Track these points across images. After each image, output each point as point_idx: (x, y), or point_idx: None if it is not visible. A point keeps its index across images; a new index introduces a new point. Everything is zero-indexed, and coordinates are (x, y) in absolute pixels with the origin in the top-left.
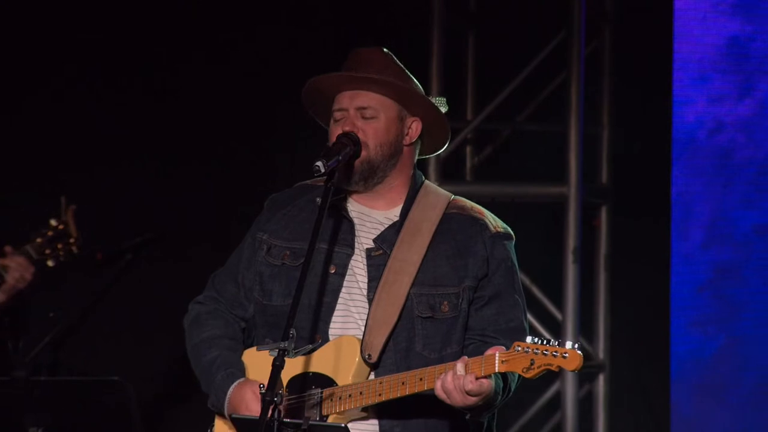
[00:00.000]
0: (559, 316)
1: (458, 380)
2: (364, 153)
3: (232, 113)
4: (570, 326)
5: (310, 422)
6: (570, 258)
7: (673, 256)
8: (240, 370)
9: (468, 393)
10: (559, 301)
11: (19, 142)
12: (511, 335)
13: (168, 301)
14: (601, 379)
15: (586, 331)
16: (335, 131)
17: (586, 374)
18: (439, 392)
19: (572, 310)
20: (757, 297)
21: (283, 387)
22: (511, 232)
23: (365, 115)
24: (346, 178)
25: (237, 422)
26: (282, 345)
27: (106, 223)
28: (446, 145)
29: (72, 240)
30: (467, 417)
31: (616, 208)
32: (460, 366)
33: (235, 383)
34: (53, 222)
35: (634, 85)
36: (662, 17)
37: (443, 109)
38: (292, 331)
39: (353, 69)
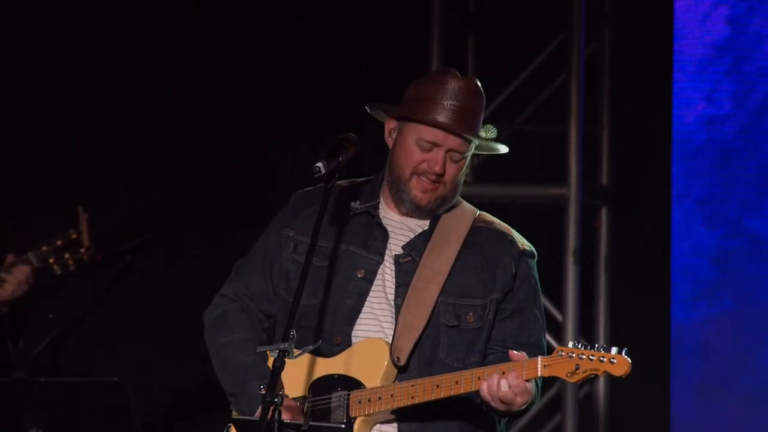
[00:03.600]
0: (559, 317)
1: (506, 395)
2: (441, 190)
3: (233, 116)
4: (570, 327)
5: (311, 423)
6: (570, 259)
7: (673, 257)
8: None
9: (515, 390)
10: (559, 302)
11: (19, 143)
12: (531, 350)
13: (168, 303)
14: (601, 380)
15: (586, 332)
16: (418, 157)
17: None
18: (485, 394)
19: (572, 311)
20: (757, 298)
21: (283, 388)
22: (534, 251)
23: (454, 158)
24: (414, 207)
25: (237, 423)
26: (282, 346)
27: (106, 224)
28: None
29: (83, 249)
30: (505, 419)
31: (616, 209)
32: (504, 383)
33: None
34: (71, 231)
35: (634, 86)
36: (662, 18)
37: (492, 135)
38: (293, 332)
39: (454, 105)
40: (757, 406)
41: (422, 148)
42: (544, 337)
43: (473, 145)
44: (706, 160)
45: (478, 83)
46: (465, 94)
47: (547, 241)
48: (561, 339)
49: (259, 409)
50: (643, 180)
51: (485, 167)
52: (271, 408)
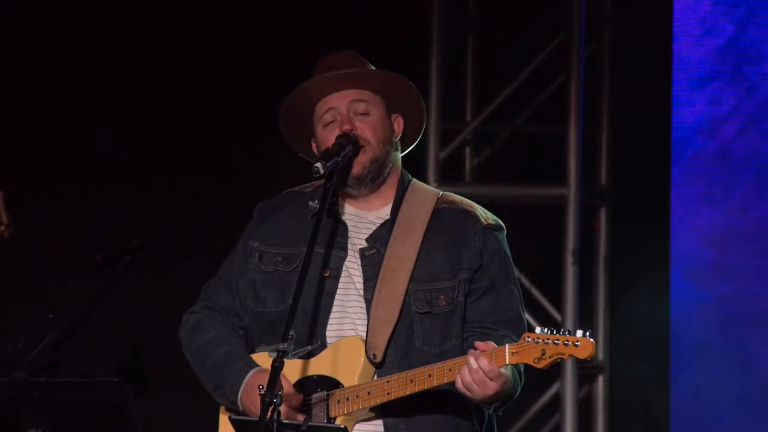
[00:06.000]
0: (558, 317)
1: (476, 373)
2: (369, 152)
3: (233, 115)
4: (569, 327)
5: (310, 423)
6: (569, 259)
7: (672, 257)
8: (254, 362)
9: (488, 376)
10: (558, 302)
11: (20, 144)
12: (510, 325)
13: (167, 303)
14: (600, 380)
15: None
16: (330, 135)
17: (585, 375)
18: (460, 387)
19: (572, 311)
20: (757, 298)
21: (282, 388)
22: (502, 224)
23: (359, 110)
24: (356, 182)
25: (236, 423)
26: (281, 346)
27: (106, 225)
28: (415, 144)
29: (2, 227)
30: (491, 411)
31: (615, 209)
32: (472, 359)
33: (252, 371)
34: None
35: (633, 86)
36: (662, 18)
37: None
38: (292, 333)
39: (328, 68)
40: (757, 406)
41: (328, 122)
42: (523, 310)
43: (373, 95)
44: (705, 160)
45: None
46: (338, 57)
47: (546, 241)
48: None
49: (242, 387)
50: (643, 180)
51: (485, 167)
52: (271, 408)
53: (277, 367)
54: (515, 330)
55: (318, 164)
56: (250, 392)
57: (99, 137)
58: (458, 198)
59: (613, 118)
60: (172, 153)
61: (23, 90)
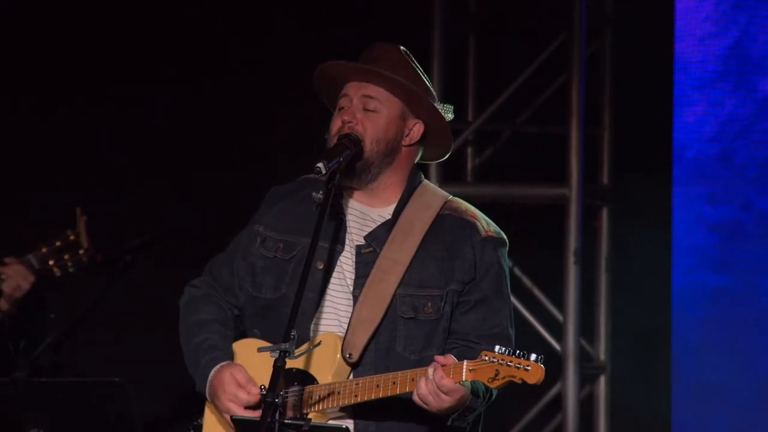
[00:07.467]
0: (560, 317)
1: (430, 384)
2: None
3: (233, 115)
4: (571, 327)
5: (311, 423)
6: (571, 259)
7: (674, 257)
8: (225, 354)
9: (441, 390)
10: (560, 303)
11: (21, 143)
12: (494, 341)
13: (167, 302)
14: (602, 380)
15: (587, 332)
16: (336, 122)
17: (587, 375)
18: (416, 399)
19: (573, 311)
20: (758, 298)
21: (283, 388)
22: (504, 237)
23: (368, 106)
24: (343, 175)
25: (237, 423)
26: (283, 346)
27: (106, 224)
28: (448, 154)
29: (82, 251)
30: (449, 423)
31: (616, 209)
32: (431, 370)
33: (217, 367)
34: (68, 232)
35: (635, 87)
36: (663, 18)
37: (449, 117)
38: (293, 333)
39: (366, 62)
40: (758, 407)
41: (340, 108)
42: (511, 327)
43: (389, 95)
44: (706, 160)
45: (402, 48)
46: (379, 50)
47: (548, 241)
48: (561, 339)
49: (208, 386)
50: (644, 180)
51: (487, 167)
52: (272, 408)
53: (279, 367)
54: (502, 346)
55: (320, 164)
56: (214, 392)
57: (99, 137)
58: (463, 206)
59: (615, 119)
60: (173, 153)
61: (23, 90)
